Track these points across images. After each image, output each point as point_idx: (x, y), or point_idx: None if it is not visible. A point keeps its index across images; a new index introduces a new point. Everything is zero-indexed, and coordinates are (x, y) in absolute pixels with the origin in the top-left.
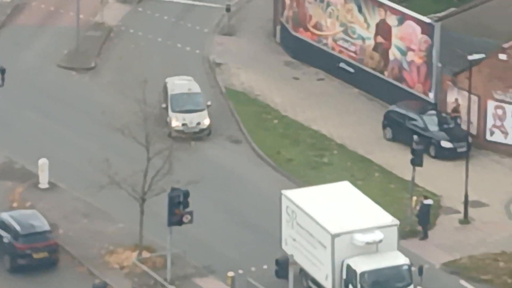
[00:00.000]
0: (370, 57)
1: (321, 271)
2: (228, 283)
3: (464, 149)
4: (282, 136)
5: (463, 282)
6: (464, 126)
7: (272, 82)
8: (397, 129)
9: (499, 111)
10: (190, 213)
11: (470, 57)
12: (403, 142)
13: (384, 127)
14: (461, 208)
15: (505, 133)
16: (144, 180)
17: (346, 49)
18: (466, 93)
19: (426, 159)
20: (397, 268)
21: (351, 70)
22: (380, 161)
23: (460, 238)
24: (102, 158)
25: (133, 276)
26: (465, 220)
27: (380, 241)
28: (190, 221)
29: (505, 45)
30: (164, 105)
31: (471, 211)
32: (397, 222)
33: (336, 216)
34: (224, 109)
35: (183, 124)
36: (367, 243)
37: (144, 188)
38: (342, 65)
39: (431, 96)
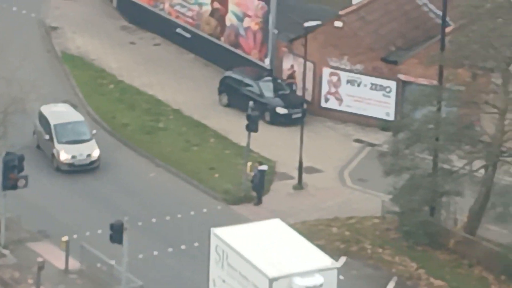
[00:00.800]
0: (207, 23)
1: None
2: (62, 247)
3: (299, 115)
4: (118, 101)
5: None
6: (299, 93)
7: (109, 46)
8: (233, 95)
9: (334, 78)
10: (25, 177)
11: (306, 24)
12: (238, 108)
13: (219, 92)
14: (295, 174)
15: (340, 100)
16: None
17: (183, 14)
18: (301, 60)
19: (261, 125)
20: None
21: (188, 35)
22: (215, 126)
23: (294, 204)
24: None
25: None
26: (299, 186)
27: (321, 285)
28: (25, 186)
29: (341, 13)
30: (47, 137)
31: (305, 177)
32: (337, 265)
33: (273, 258)
34: (59, 73)
35: (72, 157)
36: None
37: None
38: (179, 30)
39: (266, 63)
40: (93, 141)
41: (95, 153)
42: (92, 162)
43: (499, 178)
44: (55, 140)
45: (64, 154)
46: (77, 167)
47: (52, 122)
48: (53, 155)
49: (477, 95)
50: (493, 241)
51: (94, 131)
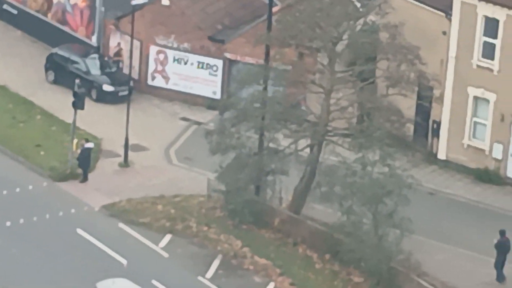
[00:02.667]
0: (34, 0)
1: None
2: None
3: (125, 93)
4: None
5: (121, 225)
6: (126, 71)
7: None
8: (60, 72)
9: (161, 56)
10: None
11: (133, 2)
12: (65, 85)
13: (46, 70)
14: (121, 151)
15: (166, 78)
16: None
17: None
18: (128, 38)
19: (88, 102)
20: None
21: (15, 12)
22: (42, 103)
23: (120, 182)
24: None
25: None
26: (125, 164)
27: None
28: None
29: None
30: None
31: (132, 155)
32: None
33: None
34: None
35: None
36: None
37: None
38: (5, 6)
39: (93, 40)
40: None
41: None
42: None
43: (325, 157)
44: None
45: None
46: None
47: None
48: None
49: (303, 75)
50: (317, 220)
51: None
